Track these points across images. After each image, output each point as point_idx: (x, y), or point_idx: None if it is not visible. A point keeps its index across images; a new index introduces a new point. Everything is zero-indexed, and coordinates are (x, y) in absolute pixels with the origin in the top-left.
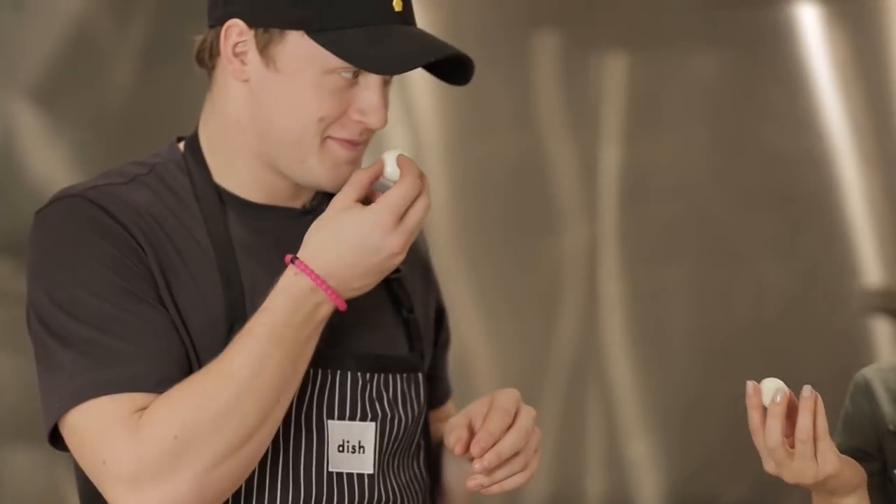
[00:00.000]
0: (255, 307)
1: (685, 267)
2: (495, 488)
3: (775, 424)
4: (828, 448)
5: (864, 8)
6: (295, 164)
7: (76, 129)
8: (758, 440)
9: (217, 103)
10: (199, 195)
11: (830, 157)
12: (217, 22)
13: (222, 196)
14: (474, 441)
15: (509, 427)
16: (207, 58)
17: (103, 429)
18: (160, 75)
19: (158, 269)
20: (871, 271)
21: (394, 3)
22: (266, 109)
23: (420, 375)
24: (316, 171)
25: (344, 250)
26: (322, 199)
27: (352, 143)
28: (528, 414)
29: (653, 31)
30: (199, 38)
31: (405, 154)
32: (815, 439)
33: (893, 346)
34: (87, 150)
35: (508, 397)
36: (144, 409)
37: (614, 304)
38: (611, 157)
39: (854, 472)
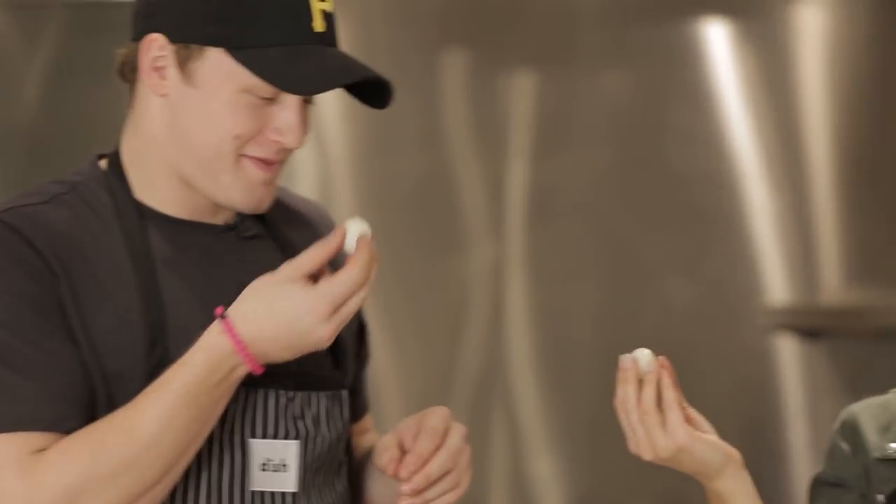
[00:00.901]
0: (177, 325)
1: (591, 285)
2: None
3: (651, 391)
4: (677, 422)
5: (772, 26)
6: (210, 182)
7: None
8: (623, 416)
9: (138, 119)
10: (120, 212)
11: (736, 176)
12: (139, 36)
13: (144, 213)
14: (403, 464)
15: (439, 447)
16: (129, 71)
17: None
18: (70, 93)
19: (71, 294)
20: (776, 289)
21: (314, 24)
22: (183, 125)
23: (344, 393)
24: (230, 190)
25: (273, 324)
26: (245, 215)
27: (267, 163)
28: (457, 432)
29: (561, 50)
30: (122, 51)
31: (367, 228)
32: (664, 411)
33: (797, 363)
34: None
35: (438, 417)
36: (42, 449)
37: (520, 322)
38: (518, 176)
39: (714, 452)
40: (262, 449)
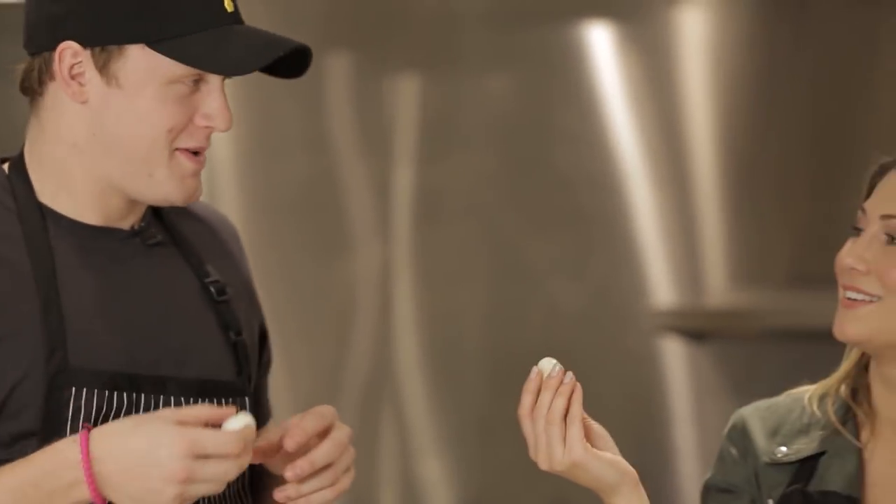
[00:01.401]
0: (78, 329)
1: (478, 287)
2: (301, 502)
3: (561, 403)
4: (577, 437)
5: (654, 29)
6: (142, 180)
7: None
8: (527, 424)
9: (48, 127)
10: (22, 216)
11: (621, 178)
12: (43, 48)
13: (49, 217)
14: (288, 435)
15: (325, 430)
16: (36, 84)
17: None
18: None
19: None
20: (661, 291)
21: (226, 4)
22: (111, 128)
23: (247, 399)
24: (164, 184)
25: (127, 447)
26: (150, 221)
27: (197, 154)
28: (343, 429)
29: (445, 53)
30: (20, 66)
31: (251, 422)
32: (567, 425)
33: (683, 365)
34: None
35: (325, 409)
36: None
37: (408, 324)
38: (404, 179)
39: (609, 470)
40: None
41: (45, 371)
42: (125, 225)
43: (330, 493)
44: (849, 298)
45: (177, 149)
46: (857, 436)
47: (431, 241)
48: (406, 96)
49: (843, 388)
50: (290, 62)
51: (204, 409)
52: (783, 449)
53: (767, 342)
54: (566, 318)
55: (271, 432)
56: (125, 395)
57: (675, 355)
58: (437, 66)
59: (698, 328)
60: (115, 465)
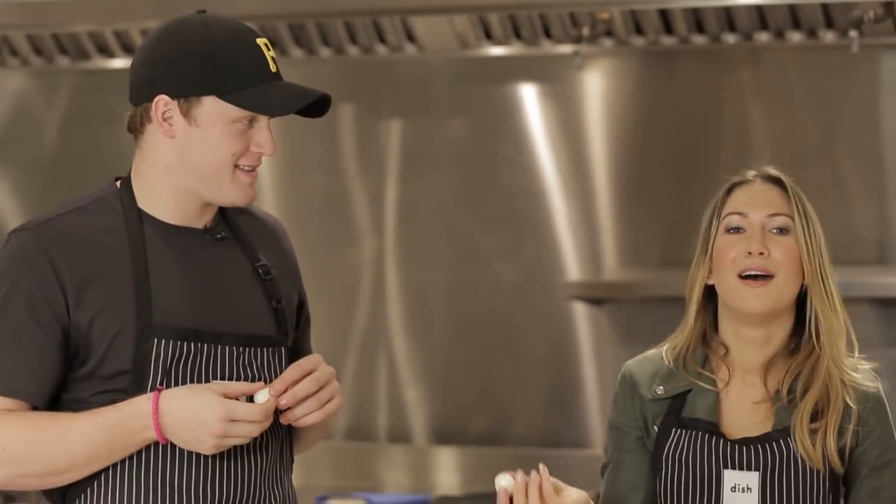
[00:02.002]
0: (161, 299)
1: (444, 269)
2: (299, 423)
3: (534, 496)
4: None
5: (567, 86)
6: (215, 189)
7: (17, 177)
8: None
9: (147, 154)
10: (126, 217)
11: (544, 190)
12: (144, 99)
13: (145, 218)
14: (270, 385)
15: (305, 375)
16: (138, 126)
17: None
18: (77, 136)
19: (74, 287)
20: (572, 270)
21: (270, 67)
22: (192, 155)
23: (283, 349)
24: (230, 193)
25: (184, 408)
26: (218, 222)
27: (251, 170)
28: (325, 370)
29: (421, 103)
30: (128, 113)
31: (271, 398)
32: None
33: (587, 323)
34: (23, 191)
35: (309, 359)
36: (5, 409)
37: (395, 294)
38: (392, 191)
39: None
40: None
41: (135, 326)
42: (199, 224)
43: (318, 415)
44: (752, 278)
45: (237, 167)
46: (713, 382)
47: (411, 235)
48: (393, 133)
49: (699, 347)
50: (316, 107)
51: (241, 386)
52: (661, 388)
53: (645, 305)
54: (506, 289)
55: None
56: (192, 343)
57: (581, 315)
58: (415, 112)
59: (597, 296)
60: (174, 417)
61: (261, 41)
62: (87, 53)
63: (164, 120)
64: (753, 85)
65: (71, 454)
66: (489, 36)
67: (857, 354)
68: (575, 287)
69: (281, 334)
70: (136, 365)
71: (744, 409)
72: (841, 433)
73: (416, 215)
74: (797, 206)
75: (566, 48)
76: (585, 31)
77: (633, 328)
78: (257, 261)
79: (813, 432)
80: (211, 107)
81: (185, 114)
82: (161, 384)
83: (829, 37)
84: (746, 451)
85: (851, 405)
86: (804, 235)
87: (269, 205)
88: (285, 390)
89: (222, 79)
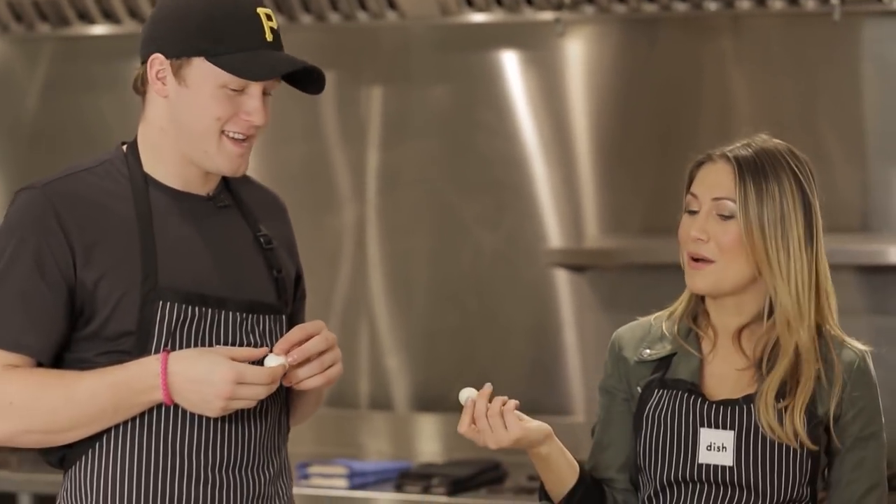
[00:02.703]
0: (166, 262)
1: (425, 235)
2: (301, 385)
3: (496, 403)
4: (513, 421)
5: (548, 53)
6: (200, 153)
7: None
8: (472, 435)
9: (148, 116)
10: (132, 180)
11: (526, 158)
12: (144, 58)
13: (150, 182)
14: (276, 344)
15: (309, 336)
16: (140, 85)
17: None
18: (59, 102)
19: (82, 247)
20: (554, 237)
21: (266, 36)
22: (180, 115)
23: (283, 317)
24: (216, 159)
25: (193, 369)
26: (221, 189)
27: (241, 141)
28: (329, 333)
29: (402, 71)
30: (136, 72)
31: (284, 361)
32: (504, 416)
33: (569, 290)
34: (4, 157)
35: (312, 324)
36: (12, 365)
37: (377, 262)
38: (373, 159)
39: (538, 432)
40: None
41: (141, 288)
42: (202, 192)
43: (320, 378)
44: (694, 260)
45: (224, 134)
46: (699, 345)
47: (392, 203)
48: (375, 101)
49: (685, 316)
50: (311, 81)
51: (246, 351)
52: (647, 351)
53: (626, 273)
54: (487, 257)
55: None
56: (197, 308)
57: (563, 282)
58: (397, 79)
59: (579, 263)
60: (182, 378)
61: (262, 10)
62: (68, 20)
63: (158, 79)
64: (735, 52)
65: (76, 411)
66: (470, 3)
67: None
68: (556, 254)
69: (281, 303)
70: (141, 327)
71: (727, 374)
72: (818, 405)
73: (398, 183)
74: (741, 189)
75: (547, 15)
76: None
77: (614, 295)
78: (258, 231)
79: (780, 411)
80: (200, 68)
81: (176, 73)
82: (165, 347)
83: (810, 4)
84: (723, 411)
85: (832, 378)
86: (745, 218)
87: (250, 172)
88: (289, 350)
89: (213, 41)
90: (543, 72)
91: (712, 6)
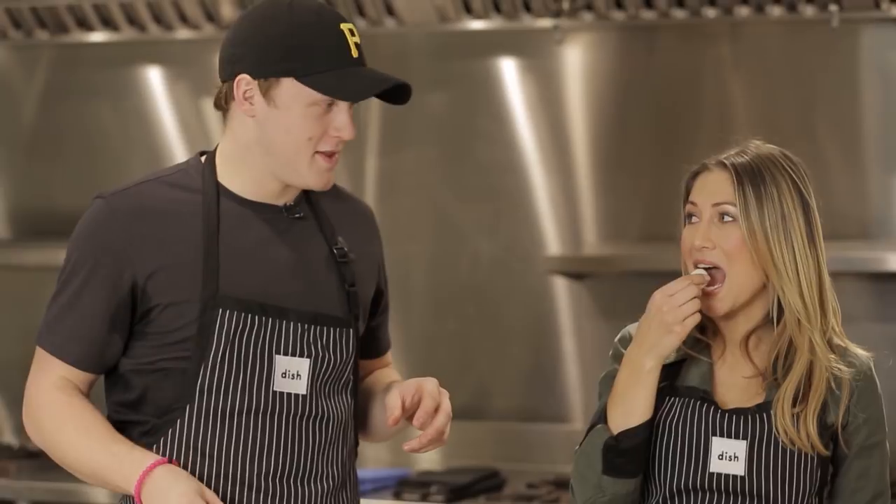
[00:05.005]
0: (230, 270)
1: (424, 242)
2: (422, 450)
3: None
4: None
5: (547, 60)
6: (290, 172)
7: None
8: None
9: (230, 132)
10: (205, 189)
11: (524, 165)
12: (228, 77)
13: (224, 193)
14: (415, 417)
15: (437, 409)
16: (223, 102)
17: (36, 371)
18: (57, 109)
19: (142, 258)
20: (552, 244)
21: (351, 53)
22: (270, 135)
23: (351, 330)
24: (307, 178)
25: (173, 487)
26: (300, 200)
27: (330, 155)
28: (446, 397)
29: (401, 77)
30: (217, 90)
31: None
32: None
33: (568, 297)
34: (2, 165)
35: (433, 384)
36: (64, 377)
37: None
38: (372, 166)
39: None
40: (283, 362)
41: (201, 295)
42: (279, 202)
43: (434, 447)
44: (706, 288)
45: (317, 152)
46: (708, 352)
47: (391, 209)
48: (373, 107)
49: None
50: (396, 93)
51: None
52: None
53: (625, 280)
54: (485, 264)
55: (394, 402)
56: (257, 317)
57: (562, 290)
58: None
59: (578, 270)
60: (151, 488)
61: (345, 26)
62: (66, 27)
63: (245, 99)
64: (733, 59)
65: (75, 470)
66: (469, 10)
67: (838, 326)
68: (555, 261)
69: (351, 317)
70: (201, 333)
71: (736, 382)
72: (828, 412)
73: (396, 189)
74: (740, 193)
75: (546, 22)
76: (565, 4)
77: (613, 303)
78: (335, 243)
79: (795, 416)
80: (289, 88)
81: (265, 94)
82: (224, 353)
83: (808, 11)
84: (735, 420)
85: (840, 385)
86: (747, 222)
87: None
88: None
89: (301, 61)
90: (542, 79)
91: (711, 13)
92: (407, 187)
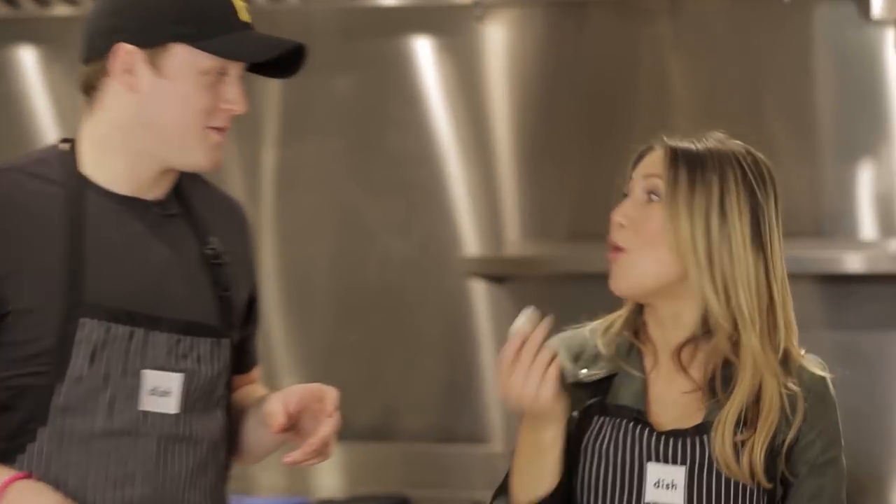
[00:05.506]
0: (96, 274)
1: (327, 242)
2: (305, 464)
3: (509, 346)
4: (554, 374)
5: (465, 40)
6: (176, 150)
7: None
8: (506, 373)
9: (101, 114)
10: (67, 182)
11: (439, 154)
12: (101, 52)
13: (89, 185)
14: (306, 444)
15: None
16: (94, 82)
17: None
18: None
19: None
20: (470, 244)
21: (241, 15)
22: (156, 109)
23: (224, 341)
24: (197, 156)
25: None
26: (170, 196)
27: (221, 130)
28: (332, 401)
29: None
30: (84, 70)
31: None
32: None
33: (487, 302)
34: None
35: (319, 388)
36: None
37: (272, 271)
38: (270, 157)
39: (564, 410)
40: (152, 378)
41: (63, 303)
42: (149, 197)
43: (319, 459)
44: (611, 251)
45: (207, 126)
46: (641, 364)
47: (290, 205)
48: (271, 93)
49: (624, 330)
50: (284, 65)
51: None
52: (584, 371)
53: (552, 283)
54: (396, 265)
55: (276, 408)
56: (125, 327)
57: (481, 294)
58: None
59: (499, 273)
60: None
61: None
62: None
63: (126, 72)
64: (674, 38)
65: None
66: None
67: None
68: (474, 263)
69: (225, 325)
70: (60, 346)
71: (674, 398)
72: (779, 434)
73: (296, 183)
74: (671, 169)
75: None
76: None
77: (538, 309)
78: (207, 244)
79: (739, 444)
80: (179, 55)
81: (152, 63)
82: (85, 369)
83: None
84: (673, 444)
85: (794, 405)
86: (672, 200)
87: None
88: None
89: (192, 25)
90: (460, 60)
91: None
92: (309, 181)
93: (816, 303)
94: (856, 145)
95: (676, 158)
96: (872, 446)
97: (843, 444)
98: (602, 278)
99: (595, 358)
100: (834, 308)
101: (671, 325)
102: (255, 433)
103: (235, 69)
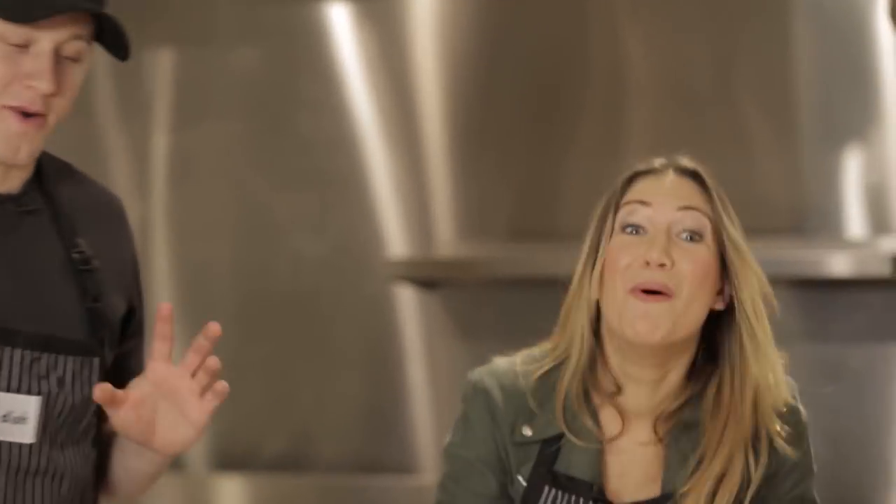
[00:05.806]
0: None
1: (227, 241)
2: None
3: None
4: None
5: (390, 6)
6: None
7: None
8: None
9: None
10: None
11: (359, 140)
12: None
13: None
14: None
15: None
16: None
17: None
18: None
19: None
20: (395, 243)
21: None
22: None
23: (95, 360)
24: None
25: None
26: (30, 189)
27: (24, 115)
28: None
29: (199, 29)
30: None
31: None
32: None
33: (415, 310)
34: None
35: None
36: None
37: (165, 275)
38: (160, 143)
39: None
40: (5, 401)
41: None
42: (2, 189)
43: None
44: (645, 292)
45: (5, 107)
46: (597, 429)
47: (185, 199)
48: (162, 69)
49: (574, 381)
50: (114, 41)
51: None
52: (527, 430)
53: (490, 289)
54: (309, 267)
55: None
56: None
57: (408, 301)
58: (191, 41)
59: (429, 277)
60: None
61: None
62: None
63: None
64: (630, 8)
65: None
66: None
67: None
68: (400, 266)
69: (94, 341)
70: None
71: (630, 453)
72: (746, 477)
73: (191, 174)
74: (720, 206)
75: None
76: None
77: (473, 318)
78: (74, 246)
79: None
80: None
81: None
82: None
83: None
84: None
85: (758, 446)
86: (723, 235)
87: None
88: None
89: None
90: (383, 31)
91: None
92: (206, 171)
93: (796, 311)
94: (841, 128)
95: (722, 195)
96: (862, 475)
97: (815, 470)
98: (546, 284)
99: (536, 411)
100: (816, 317)
101: (653, 387)
102: (128, 462)
103: (47, 40)
